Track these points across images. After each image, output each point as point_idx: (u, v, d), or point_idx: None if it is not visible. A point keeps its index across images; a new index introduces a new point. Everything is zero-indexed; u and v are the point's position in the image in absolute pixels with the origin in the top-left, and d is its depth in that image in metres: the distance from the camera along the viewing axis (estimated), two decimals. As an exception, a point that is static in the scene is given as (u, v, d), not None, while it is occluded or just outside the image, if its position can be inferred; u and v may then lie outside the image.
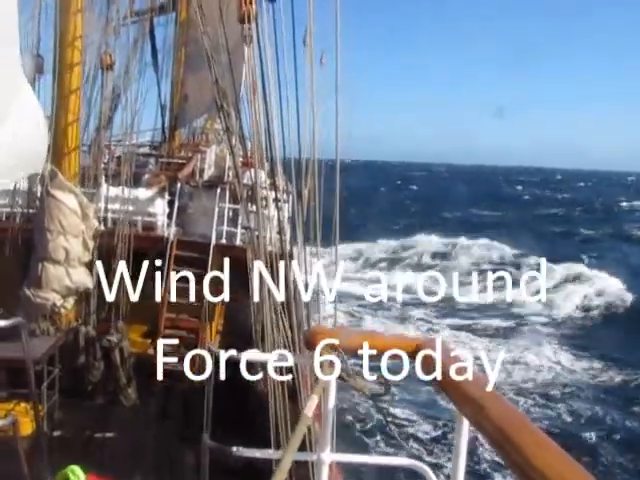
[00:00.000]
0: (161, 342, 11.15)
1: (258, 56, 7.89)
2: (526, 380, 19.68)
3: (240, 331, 10.77)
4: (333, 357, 2.83)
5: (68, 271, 9.47)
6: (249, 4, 7.87)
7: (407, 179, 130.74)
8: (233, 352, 3.78)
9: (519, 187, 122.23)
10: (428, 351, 2.72)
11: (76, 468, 4.56)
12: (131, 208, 11.58)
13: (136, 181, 11.83)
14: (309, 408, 2.46)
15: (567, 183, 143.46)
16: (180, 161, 15.91)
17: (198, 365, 10.82)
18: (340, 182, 7.74)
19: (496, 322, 26.44)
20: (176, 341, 11.19)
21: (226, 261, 12.58)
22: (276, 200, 8.44)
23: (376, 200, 68.50)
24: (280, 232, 8.21)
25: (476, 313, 27.64)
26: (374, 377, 2.96)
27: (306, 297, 8.18)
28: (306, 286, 8.30)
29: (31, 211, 11.03)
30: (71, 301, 9.82)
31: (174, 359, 11.14)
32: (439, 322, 26.22)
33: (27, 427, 8.02)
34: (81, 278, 9.67)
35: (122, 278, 11.08)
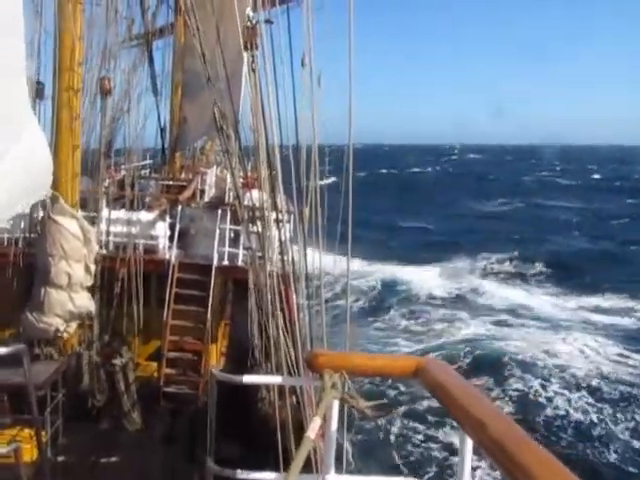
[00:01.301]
0: (164, 365, 11.17)
1: (258, 78, 7.95)
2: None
3: (244, 352, 10.76)
4: (335, 379, 2.83)
5: (71, 296, 9.49)
6: (252, 32, 7.96)
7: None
8: (234, 376, 3.77)
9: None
10: (428, 370, 2.72)
11: None
12: (133, 231, 11.61)
13: (137, 204, 11.85)
14: (312, 430, 2.45)
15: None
16: (181, 183, 15.95)
17: (202, 388, 10.82)
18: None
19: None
20: (180, 365, 11.19)
21: (229, 282, 12.63)
22: (277, 220, 8.44)
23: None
24: (282, 252, 8.21)
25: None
26: (376, 398, 2.95)
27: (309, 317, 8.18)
28: (309, 306, 8.29)
29: (32, 236, 11.06)
30: (73, 325, 9.84)
31: (179, 381, 11.15)
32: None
33: (30, 453, 7.99)
34: (84, 302, 9.69)
35: (124, 302, 11.10)
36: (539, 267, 37.41)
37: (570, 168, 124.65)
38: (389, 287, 32.45)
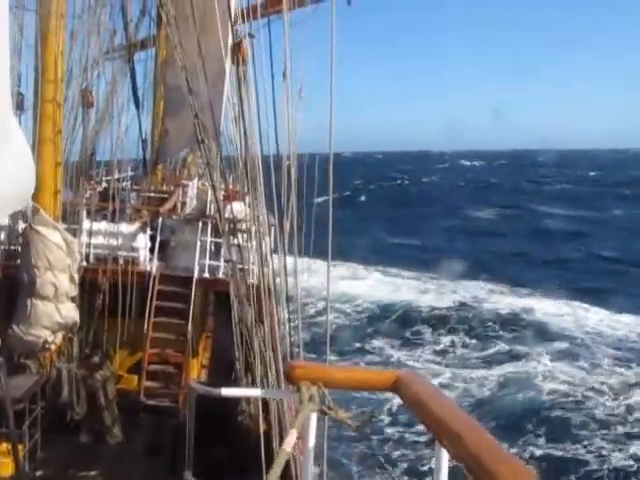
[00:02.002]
0: (145, 377, 11.13)
1: (245, 92, 8.02)
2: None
3: (226, 365, 10.74)
4: (313, 391, 2.84)
5: (57, 307, 9.44)
6: (242, 48, 8.03)
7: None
8: (213, 389, 3.78)
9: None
10: (406, 384, 2.74)
11: None
12: (114, 243, 11.59)
13: (118, 216, 11.84)
14: (288, 443, 2.46)
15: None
16: (162, 195, 15.93)
17: (183, 400, 10.78)
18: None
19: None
20: (161, 377, 11.15)
21: (210, 295, 12.60)
22: (258, 232, 8.47)
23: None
24: (262, 264, 8.23)
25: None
26: (354, 409, 2.96)
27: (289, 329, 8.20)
28: (289, 318, 8.31)
29: (13, 248, 11.00)
30: (60, 336, 9.79)
31: (159, 394, 11.10)
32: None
33: (8, 468, 7.92)
34: (70, 313, 9.64)
35: (105, 314, 11.06)
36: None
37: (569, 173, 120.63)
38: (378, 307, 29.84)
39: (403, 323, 27.21)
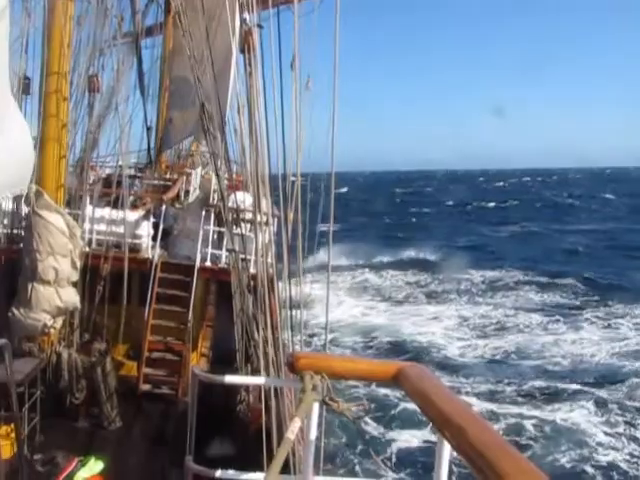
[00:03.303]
0: (144, 364, 11.15)
1: (248, 80, 8.00)
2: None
3: (225, 354, 10.76)
4: (316, 381, 2.85)
5: (58, 291, 9.45)
6: (249, 35, 8.00)
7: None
8: (216, 376, 3.79)
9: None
10: (408, 375, 2.75)
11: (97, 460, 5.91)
12: (116, 230, 11.59)
13: (121, 203, 11.84)
14: (291, 431, 2.48)
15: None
16: (166, 183, 15.92)
17: (182, 388, 10.81)
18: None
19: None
20: (160, 365, 11.18)
21: (211, 284, 12.61)
22: (261, 222, 8.47)
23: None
24: (264, 255, 8.24)
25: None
26: (356, 401, 2.98)
27: (291, 319, 8.21)
28: (291, 308, 8.32)
29: (16, 232, 11.02)
30: (60, 321, 9.80)
31: (159, 381, 11.13)
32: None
33: (7, 450, 7.95)
34: (70, 298, 9.65)
35: (106, 300, 11.07)
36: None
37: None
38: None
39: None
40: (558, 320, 28.37)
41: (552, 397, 19.50)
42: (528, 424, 17.38)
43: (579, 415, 18.05)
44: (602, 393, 19.61)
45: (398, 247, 46.82)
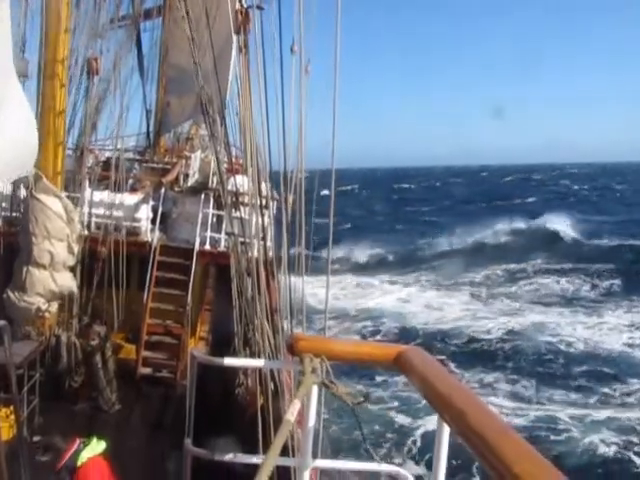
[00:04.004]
0: (143, 347, 11.17)
1: (248, 61, 7.97)
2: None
3: (223, 337, 10.77)
4: (316, 363, 2.84)
5: (53, 275, 9.43)
6: (244, 16, 7.94)
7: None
8: (215, 358, 3.79)
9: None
10: (408, 358, 2.74)
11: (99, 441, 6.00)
12: (115, 213, 11.56)
13: (121, 186, 11.81)
14: (291, 413, 2.47)
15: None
16: (165, 166, 15.87)
17: (181, 371, 10.82)
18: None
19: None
20: (159, 348, 11.20)
21: (210, 267, 12.59)
22: (261, 206, 8.47)
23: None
24: (264, 238, 8.24)
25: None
26: (356, 384, 2.98)
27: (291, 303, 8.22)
28: (290, 292, 8.33)
29: (14, 215, 10.99)
30: (55, 305, 9.79)
31: (158, 365, 11.14)
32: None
33: (6, 432, 7.96)
34: (66, 282, 9.64)
35: (105, 283, 11.06)
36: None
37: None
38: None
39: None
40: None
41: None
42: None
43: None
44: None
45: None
